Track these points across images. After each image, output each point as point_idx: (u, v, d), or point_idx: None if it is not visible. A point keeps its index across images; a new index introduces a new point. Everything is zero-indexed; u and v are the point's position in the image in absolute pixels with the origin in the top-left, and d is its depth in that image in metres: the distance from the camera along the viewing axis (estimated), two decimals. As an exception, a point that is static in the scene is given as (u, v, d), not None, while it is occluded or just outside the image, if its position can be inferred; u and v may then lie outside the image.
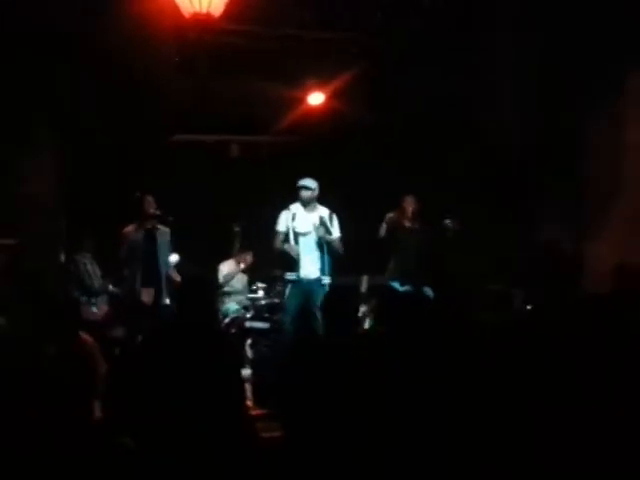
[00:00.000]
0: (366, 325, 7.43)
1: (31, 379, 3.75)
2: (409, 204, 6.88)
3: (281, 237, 6.32)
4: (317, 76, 8.02)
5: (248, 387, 5.37)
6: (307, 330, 6.10)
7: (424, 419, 2.95)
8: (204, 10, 5.51)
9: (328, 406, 3.19)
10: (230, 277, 7.97)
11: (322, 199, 6.56)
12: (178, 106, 8.04)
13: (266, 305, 7.67)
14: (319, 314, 6.13)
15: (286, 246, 6.27)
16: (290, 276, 6.31)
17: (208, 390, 3.38)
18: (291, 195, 6.49)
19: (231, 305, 7.77)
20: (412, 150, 8.47)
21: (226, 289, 7.88)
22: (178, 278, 6.39)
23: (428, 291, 6.54)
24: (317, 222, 6.29)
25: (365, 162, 8.78)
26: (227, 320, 7.43)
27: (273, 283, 7.73)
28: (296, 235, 6.32)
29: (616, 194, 7.01)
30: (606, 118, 7.01)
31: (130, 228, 6.63)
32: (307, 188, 6.31)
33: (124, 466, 3.30)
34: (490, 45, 7.18)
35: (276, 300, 7.54)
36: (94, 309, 6.98)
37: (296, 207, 6.39)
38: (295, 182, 6.42)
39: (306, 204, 6.33)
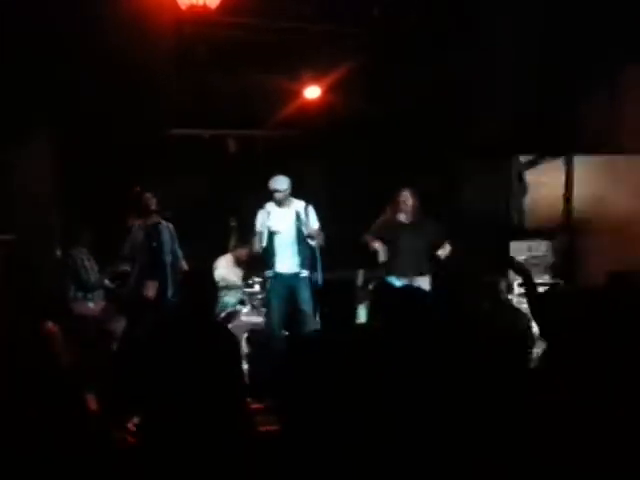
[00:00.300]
0: (362, 318, 7.45)
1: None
2: (405, 198, 6.85)
3: (259, 238, 6.38)
4: (314, 69, 8.02)
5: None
6: (296, 328, 6.15)
7: (420, 413, 2.95)
8: (201, 2, 5.50)
9: (324, 400, 3.19)
10: (225, 272, 7.98)
11: (318, 193, 6.57)
12: (175, 100, 8.02)
13: (262, 299, 7.66)
14: (307, 308, 6.17)
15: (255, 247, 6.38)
16: (268, 273, 6.42)
17: (209, 382, 3.38)
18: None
19: (228, 299, 7.77)
20: (408, 144, 8.47)
21: (222, 284, 7.87)
22: None
23: (424, 285, 6.53)
24: (293, 218, 6.33)
25: (361, 155, 8.78)
26: (223, 314, 7.43)
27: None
28: (272, 234, 6.37)
29: (611, 184, 7.03)
30: (603, 107, 7.02)
31: (134, 223, 6.72)
32: (279, 191, 6.34)
33: (121, 458, 3.31)
34: (488, 37, 7.18)
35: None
36: (90, 304, 6.97)
37: (271, 205, 6.43)
38: (290, 176, 6.44)
39: (281, 203, 6.35)
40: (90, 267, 7.04)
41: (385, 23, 7.15)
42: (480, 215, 7.83)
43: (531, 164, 7.58)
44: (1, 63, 6.66)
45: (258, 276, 7.94)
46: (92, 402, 3.99)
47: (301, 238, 6.34)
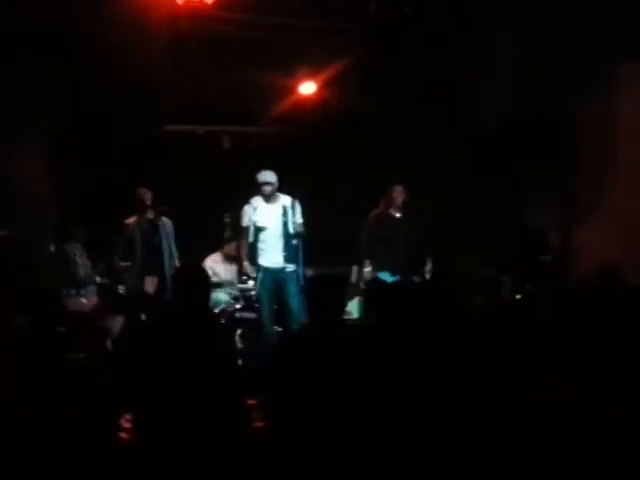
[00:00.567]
0: (355, 314, 7.46)
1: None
2: (398, 193, 6.88)
3: (245, 234, 6.43)
4: (309, 65, 8.00)
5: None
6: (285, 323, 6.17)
7: (411, 408, 2.95)
8: (197, -3, 5.48)
9: (314, 396, 3.19)
10: (216, 269, 8.00)
11: (312, 189, 6.58)
12: (171, 96, 8.01)
13: (256, 295, 7.66)
14: (294, 302, 6.18)
15: (245, 266, 6.45)
16: (256, 267, 6.42)
17: (203, 379, 3.39)
18: (284, 185, 6.51)
19: (221, 296, 7.76)
20: (403, 139, 8.47)
21: (215, 280, 7.87)
22: None
23: (418, 280, 6.56)
24: (280, 213, 6.35)
25: (356, 151, 8.78)
26: (217, 310, 7.42)
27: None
28: (257, 230, 6.39)
29: (607, 182, 7.05)
30: (600, 104, 7.02)
31: (131, 220, 6.73)
32: (269, 183, 6.37)
33: (117, 455, 3.31)
34: (485, 31, 7.17)
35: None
36: (83, 300, 6.97)
37: (257, 200, 6.46)
38: (284, 173, 6.47)
39: (268, 197, 6.36)
40: (81, 263, 7.05)
41: (380, 18, 7.13)
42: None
43: None
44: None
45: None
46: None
47: (287, 233, 6.36)
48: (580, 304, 3.76)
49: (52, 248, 7.84)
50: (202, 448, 3.24)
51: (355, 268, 7.40)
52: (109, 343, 6.18)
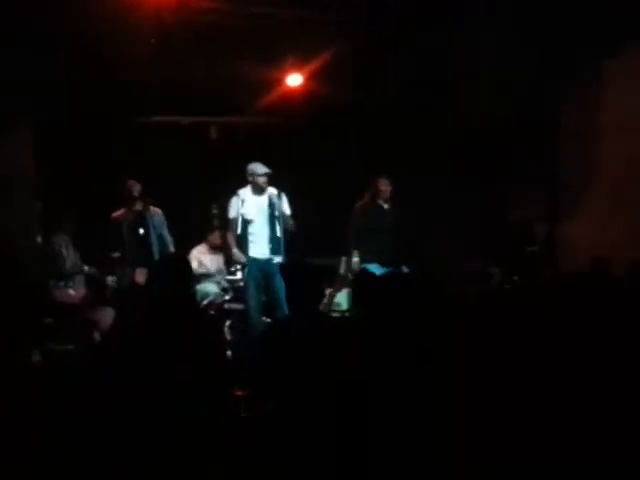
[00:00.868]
0: (344, 306, 7.48)
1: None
2: (383, 185, 6.91)
3: (233, 225, 6.43)
4: (296, 57, 7.97)
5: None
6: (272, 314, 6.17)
7: (402, 400, 2.96)
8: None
9: (302, 389, 3.20)
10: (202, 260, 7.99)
11: (301, 180, 6.58)
12: (156, 87, 7.96)
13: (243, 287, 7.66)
14: (280, 293, 6.17)
15: (234, 253, 6.43)
16: (242, 259, 6.43)
17: (191, 371, 3.38)
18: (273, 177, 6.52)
19: (209, 287, 7.76)
20: (389, 132, 8.48)
21: (202, 271, 7.86)
22: None
23: (406, 271, 6.59)
24: (267, 205, 6.37)
25: (342, 143, 8.78)
26: (205, 302, 7.42)
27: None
28: (245, 222, 6.40)
29: (593, 175, 7.10)
30: (584, 100, 7.07)
31: (119, 212, 6.71)
32: (266, 175, 6.38)
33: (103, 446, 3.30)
34: (470, 26, 7.18)
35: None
36: (71, 291, 6.94)
37: (245, 192, 6.47)
38: (270, 164, 6.47)
39: (259, 189, 6.37)
40: (67, 254, 7.01)
41: (367, 9, 7.12)
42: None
43: None
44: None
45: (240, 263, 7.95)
46: None
47: (274, 224, 6.37)
48: (567, 294, 3.78)
49: (39, 240, 7.79)
50: (190, 439, 3.25)
51: (343, 259, 7.42)
52: (97, 335, 6.18)
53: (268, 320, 6.52)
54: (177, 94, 8.26)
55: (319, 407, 3.13)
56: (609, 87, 6.89)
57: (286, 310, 5.89)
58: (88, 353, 4.99)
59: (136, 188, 6.73)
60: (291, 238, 6.46)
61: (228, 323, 7.14)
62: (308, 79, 8.21)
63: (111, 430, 3.28)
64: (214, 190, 8.17)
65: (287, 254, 6.38)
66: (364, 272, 5.82)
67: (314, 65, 7.89)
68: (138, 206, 6.74)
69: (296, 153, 7.33)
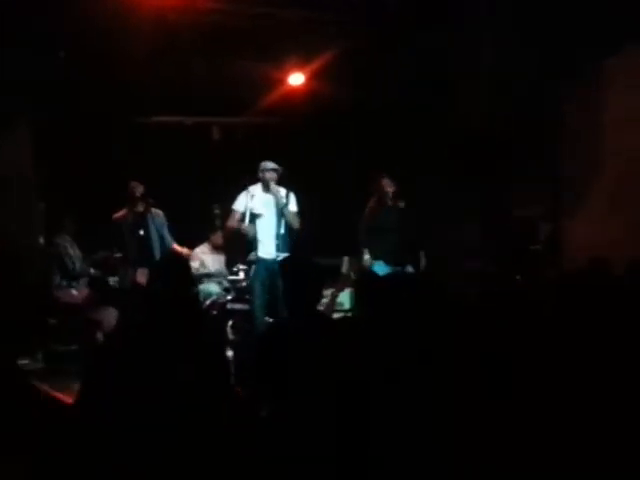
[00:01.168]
0: (347, 305, 7.50)
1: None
2: (387, 185, 6.92)
3: (237, 216, 6.39)
4: (298, 56, 7.98)
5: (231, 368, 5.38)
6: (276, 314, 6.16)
7: (402, 400, 2.97)
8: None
9: (301, 389, 3.21)
10: (205, 260, 8.00)
11: (302, 180, 6.59)
12: (157, 87, 7.98)
13: (247, 287, 7.65)
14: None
15: (243, 226, 6.35)
16: (251, 256, 6.40)
17: (192, 372, 3.39)
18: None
19: (212, 287, 7.77)
20: (389, 132, 8.49)
21: (204, 271, 7.87)
22: None
23: (411, 270, 6.61)
24: (275, 203, 6.35)
25: (342, 143, 8.79)
26: (208, 302, 7.43)
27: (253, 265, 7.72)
28: (253, 216, 6.38)
29: (593, 173, 7.11)
30: (584, 99, 7.08)
31: (120, 213, 6.73)
32: (275, 170, 6.38)
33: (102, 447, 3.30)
34: (470, 26, 7.19)
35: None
36: (74, 292, 6.96)
37: (255, 188, 6.45)
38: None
39: (268, 186, 6.37)
40: (74, 255, 7.03)
41: (367, 9, 7.13)
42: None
43: None
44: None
45: (242, 263, 7.96)
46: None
47: (281, 222, 6.36)
48: (569, 293, 3.79)
49: (41, 240, 7.81)
50: (192, 440, 3.25)
51: (345, 259, 7.43)
52: (100, 335, 6.19)
53: (271, 320, 6.53)
54: (178, 94, 8.27)
55: (319, 407, 3.14)
56: (609, 86, 6.90)
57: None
58: (91, 353, 4.98)
59: (138, 189, 6.75)
60: (297, 236, 6.44)
61: (230, 323, 7.14)
62: (309, 79, 8.23)
63: (113, 430, 3.30)
64: (215, 190, 8.18)
65: (291, 252, 6.37)
66: (367, 272, 5.84)
67: (315, 65, 7.91)
68: (139, 207, 6.76)
69: (297, 153, 7.33)
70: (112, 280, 7.10)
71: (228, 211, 6.63)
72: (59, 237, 7.08)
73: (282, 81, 8.30)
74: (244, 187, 6.49)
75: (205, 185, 8.73)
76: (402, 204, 6.90)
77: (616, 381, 2.95)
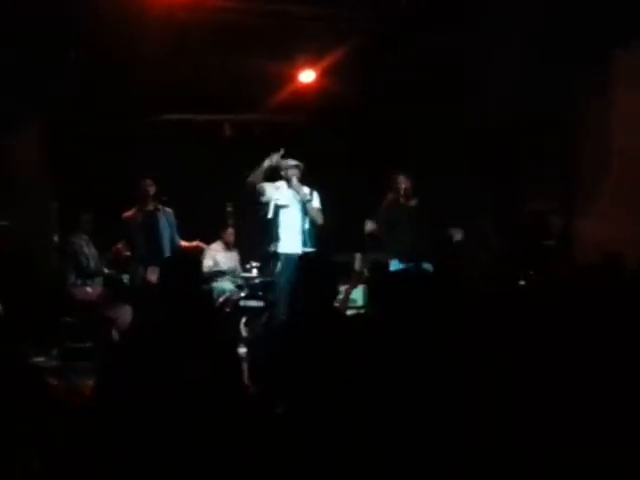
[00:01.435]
0: (360, 302, 7.50)
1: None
2: (402, 182, 6.91)
3: (262, 177, 6.28)
4: (310, 53, 7.98)
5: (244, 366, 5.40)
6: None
7: (413, 397, 2.97)
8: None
9: (313, 386, 3.21)
10: (218, 258, 8.02)
11: (315, 177, 6.59)
12: (170, 84, 8.00)
13: (260, 284, 7.69)
14: None
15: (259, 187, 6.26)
16: (270, 248, 6.32)
17: (205, 371, 3.40)
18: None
19: (225, 284, 7.80)
20: (403, 130, 8.47)
21: (217, 269, 7.91)
22: None
23: (428, 267, 6.59)
24: (299, 199, 6.34)
25: (355, 140, 8.78)
26: (221, 299, 7.46)
27: (267, 261, 7.71)
28: (277, 207, 6.34)
29: (606, 170, 7.08)
30: (598, 97, 7.05)
31: (130, 212, 6.74)
32: (297, 166, 6.38)
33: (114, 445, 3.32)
34: (486, 20, 7.16)
35: (270, 278, 7.56)
36: (89, 289, 6.99)
37: (281, 184, 6.42)
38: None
39: (290, 183, 6.36)
40: (90, 253, 7.06)
41: (380, 5, 7.11)
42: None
43: None
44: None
45: (255, 260, 7.98)
46: None
47: (306, 218, 6.35)
48: (583, 289, 3.78)
49: (55, 238, 7.86)
50: (205, 438, 3.27)
51: (358, 256, 7.43)
52: (115, 333, 6.23)
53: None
54: (190, 92, 8.29)
55: (331, 405, 3.14)
56: (622, 84, 6.87)
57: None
58: (106, 352, 5.02)
59: (152, 188, 6.74)
60: (320, 233, 6.42)
61: (244, 320, 7.17)
62: (321, 76, 8.22)
63: (127, 428, 3.32)
64: (227, 188, 8.21)
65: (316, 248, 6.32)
66: (382, 270, 5.82)
67: (327, 62, 7.89)
68: (150, 206, 6.74)
69: (308, 150, 7.31)
70: (125, 278, 7.13)
71: (240, 209, 6.64)
72: (75, 236, 7.10)
73: (293, 78, 8.30)
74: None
75: (216, 183, 8.75)
76: (414, 201, 6.89)
77: (629, 377, 2.94)
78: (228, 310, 7.25)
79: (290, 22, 7.26)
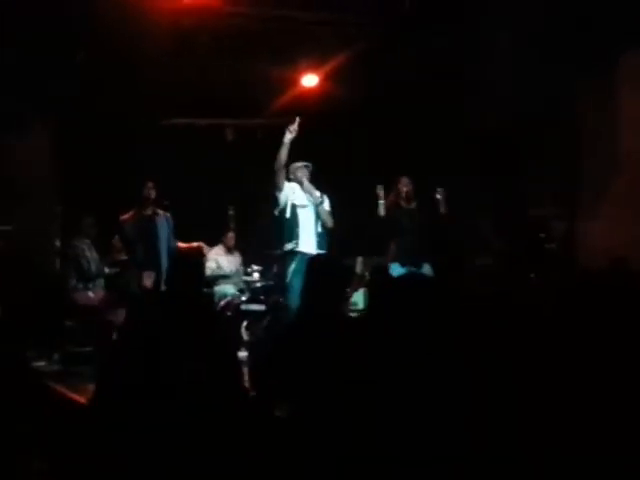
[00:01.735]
0: (361, 305, 7.49)
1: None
2: (404, 185, 6.90)
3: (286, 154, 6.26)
4: (313, 58, 7.99)
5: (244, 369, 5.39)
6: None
7: (414, 401, 2.97)
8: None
9: (316, 389, 3.21)
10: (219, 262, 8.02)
11: (317, 181, 6.59)
12: (174, 89, 8.02)
13: (262, 287, 7.69)
14: None
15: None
16: (288, 246, 6.21)
17: (204, 373, 3.39)
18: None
19: (227, 288, 7.79)
20: (405, 132, 8.47)
21: (219, 272, 7.90)
22: None
23: (427, 270, 6.58)
24: (312, 201, 6.31)
25: (357, 143, 8.78)
26: (222, 303, 7.45)
27: (275, 262, 7.68)
28: (294, 207, 6.31)
29: (610, 172, 7.06)
30: (601, 98, 7.03)
31: (127, 215, 6.69)
32: (306, 167, 6.39)
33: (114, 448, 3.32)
34: (487, 21, 7.16)
35: (271, 282, 7.56)
36: (90, 294, 7.00)
37: (294, 185, 6.39)
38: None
39: (302, 184, 6.34)
40: (91, 257, 7.05)
41: (384, 9, 7.12)
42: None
43: None
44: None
45: (257, 264, 7.98)
46: None
47: (319, 220, 6.32)
48: (586, 292, 3.76)
49: (57, 243, 7.87)
50: (204, 440, 3.26)
51: (359, 259, 7.41)
52: (115, 336, 6.23)
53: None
54: (194, 96, 8.30)
55: (334, 407, 3.13)
56: (626, 84, 6.85)
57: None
58: (104, 354, 5.00)
59: (152, 192, 6.69)
60: (330, 236, 6.40)
61: (245, 324, 7.17)
62: (324, 80, 8.23)
63: (127, 430, 3.32)
64: (228, 191, 8.21)
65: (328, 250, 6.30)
66: (382, 274, 5.80)
67: (330, 66, 7.91)
68: (148, 210, 6.69)
69: (310, 154, 7.29)
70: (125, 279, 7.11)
71: (242, 213, 6.63)
72: (77, 240, 7.10)
73: (296, 82, 8.30)
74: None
75: (218, 186, 8.75)
76: (414, 205, 6.88)
77: (629, 377, 2.92)
78: (229, 314, 7.24)
79: (295, 27, 7.27)
